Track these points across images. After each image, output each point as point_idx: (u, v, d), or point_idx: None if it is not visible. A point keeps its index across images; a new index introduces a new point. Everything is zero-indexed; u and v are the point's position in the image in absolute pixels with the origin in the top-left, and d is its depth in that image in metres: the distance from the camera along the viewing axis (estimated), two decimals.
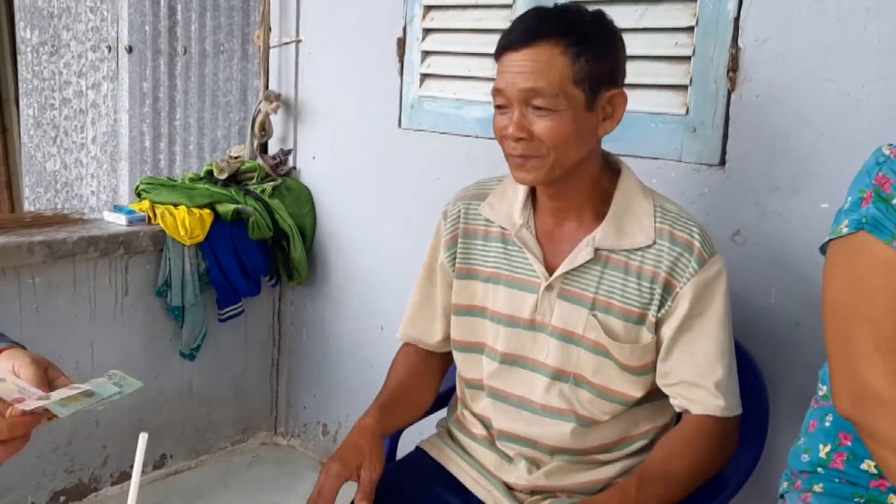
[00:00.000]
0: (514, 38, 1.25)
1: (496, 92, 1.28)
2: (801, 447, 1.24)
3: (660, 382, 1.32)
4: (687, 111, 1.72)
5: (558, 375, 1.35)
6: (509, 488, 1.38)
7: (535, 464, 1.38)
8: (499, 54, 1.28)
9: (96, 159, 3.52)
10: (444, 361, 1.51)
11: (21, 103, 4.03)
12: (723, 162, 1.69)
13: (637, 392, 1.33)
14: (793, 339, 1.60)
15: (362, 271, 2.54)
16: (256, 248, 2.52)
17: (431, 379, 1.50)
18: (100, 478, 2.46)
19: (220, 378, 2.69)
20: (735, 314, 1.64)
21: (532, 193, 1.39)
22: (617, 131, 1.32)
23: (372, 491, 1.27)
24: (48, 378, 0.99)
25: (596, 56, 1.24)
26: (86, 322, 2.35)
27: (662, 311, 1.28)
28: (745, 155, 1.66)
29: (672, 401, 1.31)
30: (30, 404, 0.94)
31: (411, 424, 1.49)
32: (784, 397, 1.59)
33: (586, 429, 1.36)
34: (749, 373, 1.51)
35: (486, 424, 1.45)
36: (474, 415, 1.47)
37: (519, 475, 1.38)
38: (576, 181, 1.31)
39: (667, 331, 1.29)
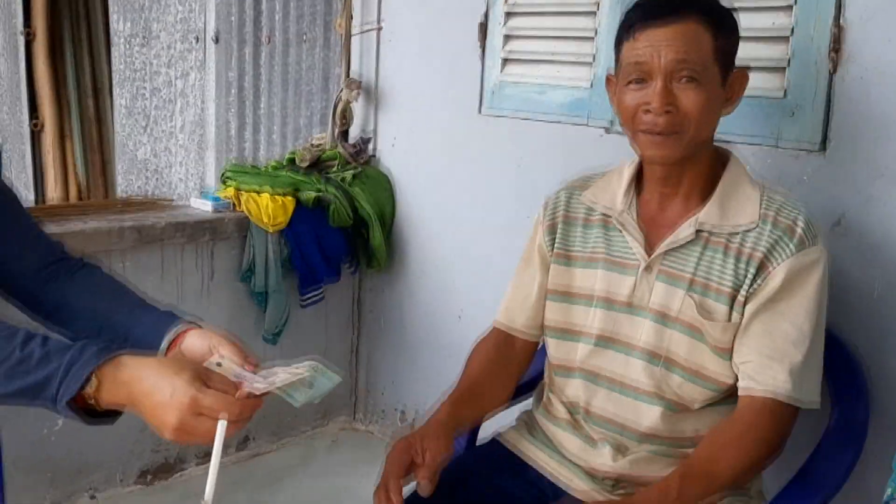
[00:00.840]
0: (658, 13, 1.25)
1: (634, 66, 1.27)
2: None
3: (734, 362, 1.27)
4: (785, 93, 1.63)
5: (651, 357, 1.32)
6: (591, 476, 1.34)
7: (620, 450, 1.34)
8: (634, 29, 1.27)
9: (184, 147, 3.59)
10: (529, 350, 1.48)
11: (114, 93, 4.16)
12: (823, 147, 1.60)
13: (729, 377, 1.28)
14: None
15: (440, 259, 2.53)
16: (337, 234, 2.53)
17: (512, 369, 1.47)
18: (185, 457, 2.52)
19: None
20: (836, 307, 1.56)
21: (637, 180, 1.38)
22: None
23: (435, 471, 1.25)
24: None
25: (729, 34, 1.28)
26: (173, 305, 2.39)
27: (752, 289, 1.25)
28: (848, 139, 1.56)
29: (739, 383, 1.26)
30: (258, 388, 0.96)
31: (486, 418, 1.46)
32: (888, 395, 1.50)
33: (676, 415, 1.32)
34: (849, 369, 1.43)
35: (571, 410, 1.42)
36: (562, 402, 1.44)
37: (603, 460, 1.34)
38: (693, 163, 1.30)
39: (750, 307, 1.25)
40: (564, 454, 1.40)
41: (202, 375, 0.95)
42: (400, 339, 2.71)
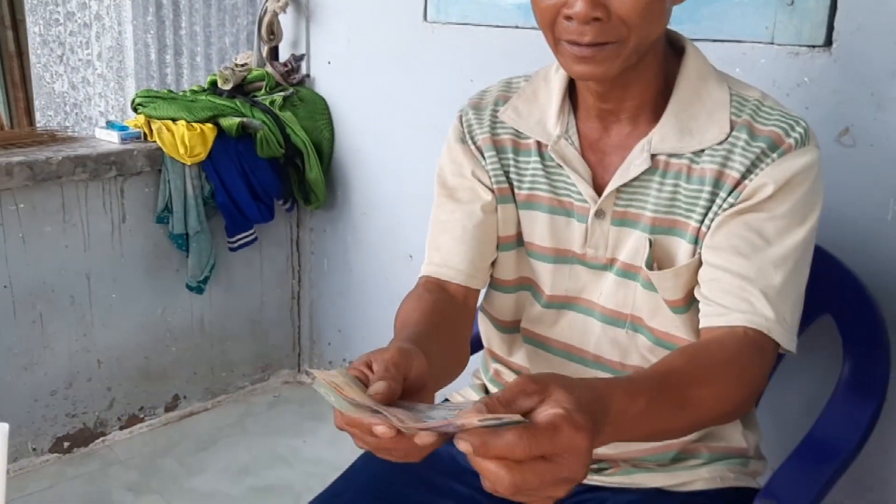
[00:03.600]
0: None
1: None
2: None
3: (696, 291, 0.98)
4: None
5: (614, 319, 1.05)
6: None
7: None
8: None
9: (103, 77, 3.28)
10: (471, 301, 1.13)
11: (27, 20, 3.78)
12: (829, 42, 1.34)
13: (693, 335, 1.02)
14: None
15: (386, 193, 2.24)
16: (267, 167, 2.23)
17: (458, 319, 1.10)
18: (106, 421, 2.26)
19: (234, 313, 2.44)
20: (842, 234, 1.32)
21: (570, 92, 1.06)
22: (690, 9, 0.98)
23: (386, 370, 0.77)
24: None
25: None
26: (79, 252, 2.10)
27: (720, 210, 0.96)
28: (859, 31, 1.30)
29: (702, 310, 0.96)
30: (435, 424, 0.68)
31: (450, 378, 1.04)
32: None
33: None
34: (863, 308, 1.19)
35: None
36: (510, 368, 1.18)
37: None
38: (638, 72, 0.97)
39: (718, 220, 0.96)
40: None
41: None
42: (345, 284, 2.44)
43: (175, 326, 2.32)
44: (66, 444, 2.19)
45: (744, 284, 0.93)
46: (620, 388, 0.73)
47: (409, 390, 0.77)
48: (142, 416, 2.32)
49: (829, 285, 1.19)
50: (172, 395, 2.37)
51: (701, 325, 0.95)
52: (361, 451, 0.99)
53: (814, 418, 1.14)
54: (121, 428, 2.29)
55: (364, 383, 0.75)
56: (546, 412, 0.63)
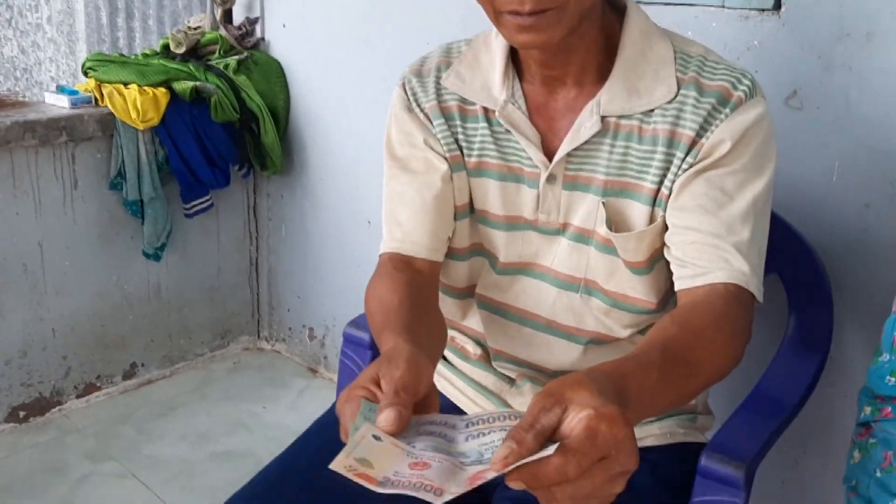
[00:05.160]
0: None
1: None
2: (884, 366, 0.96)
3: (667, 253, 0.99)
4: None
5: (568, 284, 1.07)
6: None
7: (542, 385, 1.11)
8: None
9: (53, 41, 3.19)
10: (435, 274, 1.10)
11: None
12: (778, 5, 1.35)
13: (653, 297, 1.04)
14: (861, 225, 1.30)
15: (344, 158, 2.23)
16: (222, 132, 2.21)
17: (428, 292, 1.07)
18: (63, 390, 2.24)
19: (191, 280, 2.42)
20: (789, 195, 1.35)
21: (513, 56, 1.05)
22: None
23: (396, 394, 0.73)
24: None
25: None
26: (31, 220, 2.06)
27: (680, 173, 0.97)
28: None
29: (678, 272, 0.96)
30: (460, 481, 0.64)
31: (440, 356, 1.04)
32: (850, 298, 1.31)
33: (600, 347, 1.09)
34: (807, 267, 1.22)
35: (480, 342, 1.17)
36: (465, 333, 1.20)
37: (524, 400, 1.11)
38: (580, 35, 0.96)
39: (680, 181, 0.97)
40: (480, 388, 1.16)
41: None
42: (304, 250, 2.43)
43: (131, 294, 2.30)
44: (21, 414, 2.17)
45: (717, 242, 0.94)
46: (631, 366, 0.73)
47: (419, 405, 0.75)
48: (99, 384, 2.30)
49: (776, 245, 1.22)
50: (130, 363, 2.36)
51: (679, 287, 0.96)
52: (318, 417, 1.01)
53: (759, 374, 1.17)
54: (77, 396, 2.27)
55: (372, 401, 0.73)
56: (576, 420, 0.62)
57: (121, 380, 2.35)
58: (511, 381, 1.14)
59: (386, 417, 0.69)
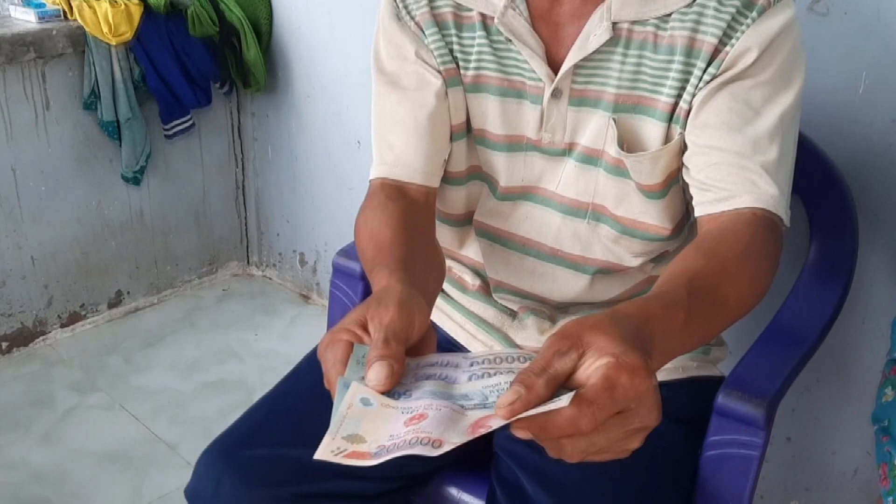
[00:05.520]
0: None
1: None
2: None
3: (686, 175, 0.90)
4: None
5: (574, 209, 0.98)
6: (516, 346, 1.05)
7: (547, 318, 1.04)
8: None
9: None
10: (430, 201, 1.01)
11: None
12: None
13: (667, 222, 0.95)
14: (888, 140, 1.21)
15: (331, 74, 2.11)
16: (201, 47, 2.08)
17: (424, 222, 0.98)
18: (46, 320, 2.17)
19: (175, 204, 2.33)
20: (811, 109, 1.25)
21: None
22: None
23: (386, 343, 0.64)
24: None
25: None
26: (2, 143, 1.95)
27: (700, 86, 0.87)
28: None
29: (699, 196, 0.87)
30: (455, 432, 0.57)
31: (438, 293, 0.94)
32: (877, 226, 1.23)
33: (608, 277, 1.01)
34: (831, 189, 1.14)
35: (479, 273, 1.09)
36: (462, 263, 1.11)
37: (527, 335, 1.04)
38: None
39: (701, 95, 0.87)
40: (480, 321, 1.09)
41: None
42: (292, 173, 2.33)
43: (112, 220, 2.21)
44: (4, 345, 2.11)
45: (743, 163, 0.85)
46: (656, 307, 0.65)
47: (414, 349, 0.68)
48: (83, 313, 2.23)
49: (797, 164, 1.13)
50: (115, 291, 2.28)
51: (700, 213, 0.87)
52: (311, 344, 0.93)
53: (776, 303, 1.10)
54: (62, 326, 2.20)
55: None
56: (593, 368, 0.55)
57: (106, 308, 2.28)
58: (513, 314, 1.06)
59: (376, 375, 0.61)
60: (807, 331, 1.03)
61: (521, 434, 0.55)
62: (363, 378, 0.62)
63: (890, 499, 0.83)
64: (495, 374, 0.63)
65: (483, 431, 0.55)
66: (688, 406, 1.00)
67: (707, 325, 0.73)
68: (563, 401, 0.53)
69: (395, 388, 0.63)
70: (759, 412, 0.89)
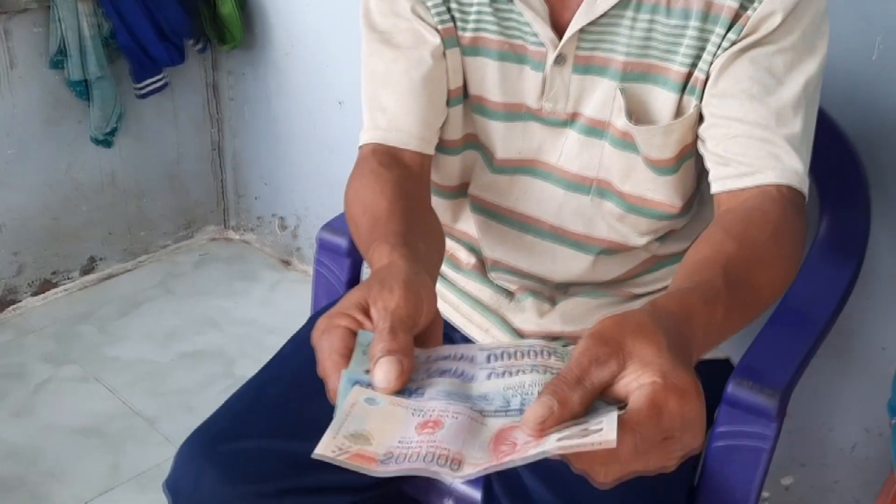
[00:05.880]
0: None
1: None
2: None
3: (702, 147, 0.84)
4: None
5: (577, 184, 0.92)
6: (514, 332, 0.99)
7: (546, 299, 0.98)
8: None
9: None
10: (426, 168, 0.94)
11: None
12: None
13: (677, 199, 0.90)
14: None
15: (311, 30, 2.01)
16: (173, 2, 1.97)
17: (422, 191, 0.92)
18: (17, 288, 2.09)
19: (149, 166, 2.24)
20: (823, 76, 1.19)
21: None
22: None
23: (392, 334, 0.57)
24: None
25: None
26: None
27: (718, 54, 0.81)
28: None
29: (718, 171, 0.81)
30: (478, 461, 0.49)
31: (439, 268, 0.88)
32: (887, 198, 1.18)
33: (612, 257, 0.95)
34: (843, 161, 1.08)
35: (474, 248, 1.03)
36: (456, 238, 1.05)
37: (525, 317, 0.98)
38: None
39: (720, 61, 0.81)
40: (475, 302, 1.03)
41: None
42: (271, 133, 2.24)
43: (83, 183, 2.11)
44: None
45: (766, 135, 0.78)
46: (697, 301, 0.60)
47: (419, 337, 0.61)
48: (55, 280, 2.15)
49: None
50: (88, 258, 2.20)
51: (719, 189, 0.81)
52: (292, 313, 0.86)
53: None
54: (33, 294, 2.12)
55: (355, 333, 0.60)
56: (636, 385, 0.49)
57: (79, 275, 2.20)
58: (510, 294, 1.01)
59: (384, 375, 0.55)
60: (819, 313, 0.98)
61: (558, 456, 0.49)
62: (368, 372, 0.56)
63: None
64: (517, 373, 0.57)
65: (507, 460, 0.49)
66: None
67: (743, 316, 0.67)
68: (607, 433, 0.46)
69: (404, 387, 0.57)
70: (771, 402, 0.85)
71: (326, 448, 0.50)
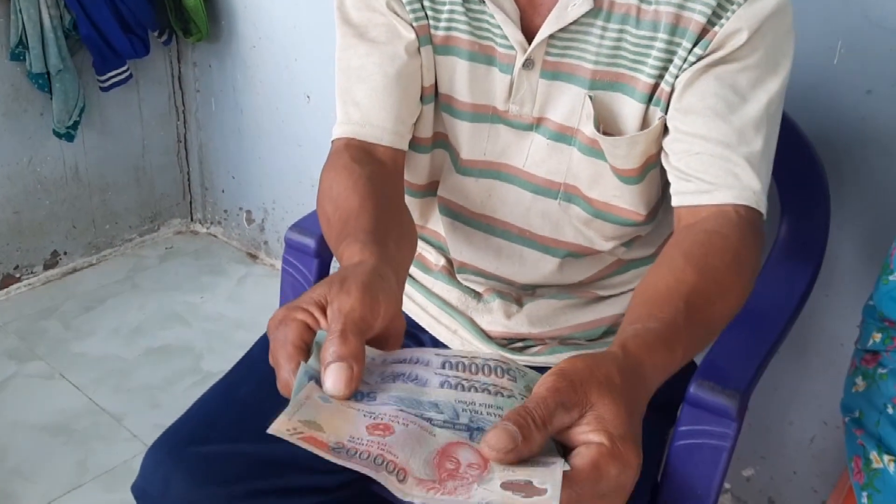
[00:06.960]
0: None
1: None
2: (894, 285, 0.86)
3: (665, 161, 0.85)
4: None
5: (545, 189, 0.93)
6: (482, 333, 1.00)
7: (513, 301, 0.99)
8: None
9: None
10: (399, 163, 0.94)
11: None
12: None
13: (641, 207, 0.91)
14: (861, 113, 1.18)
15: (279, 22, 2.00)
16: None
17: (395, 187, 0.92)
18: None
19: (113, 159, 2.21)
20: None
21: None
22: None
23: (343, 337, 0.57)
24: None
25: None
26: None
27: (685, 67, 0.82)
28: None
29: (679, 186, 0.83)
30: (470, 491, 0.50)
31: (409, 267, 0.86)
32: (847, 201, 1.20)
33: (578, 260, 0.97)
34: (804, 163, 1.10)
35: (443, 249, 1.04)
36: (426, 237, 1.05)
37: (493, 319, 0.99)
38: None
39: (685, 76, 0.82)
40: (443, 304, 1.04)
41: None
42: (237, 126, 2.23)
43: (46, 177, 2.08)
44: None
45: (727, 154, 0.80)
46: (662, 346, 0.62)
47: (379, 339, 0.62)
48: (18, 275, 2.12)
49: None
50: (51, 252, 2.17)
51: (679, 203, 0.83)
52: (260, 307, 0.86)
53: None
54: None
55: (312, 329, 0.60)
56: (586, 445, 0.52)
57: (42, 270, 2.17)
58: (477, 295, 1.02)
59: (333, 383, 0.55)
60: (779, 315, 1.00)
61: None
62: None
63: (865, 494, 0.82)
64: (470, 389, 0.59)
65: (450, 471, 0.51)
66: (658, 390, 0.98)
67: (697, 348, 0.71)
68: (551, 497, 0.48)
69: (358, 388, 0.58)
70: (732, 403, 0.87)
71: (281, 426, 0.52)
